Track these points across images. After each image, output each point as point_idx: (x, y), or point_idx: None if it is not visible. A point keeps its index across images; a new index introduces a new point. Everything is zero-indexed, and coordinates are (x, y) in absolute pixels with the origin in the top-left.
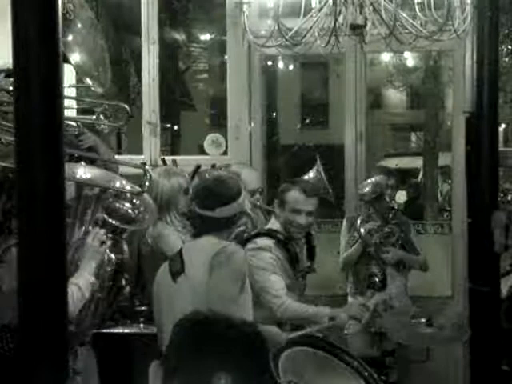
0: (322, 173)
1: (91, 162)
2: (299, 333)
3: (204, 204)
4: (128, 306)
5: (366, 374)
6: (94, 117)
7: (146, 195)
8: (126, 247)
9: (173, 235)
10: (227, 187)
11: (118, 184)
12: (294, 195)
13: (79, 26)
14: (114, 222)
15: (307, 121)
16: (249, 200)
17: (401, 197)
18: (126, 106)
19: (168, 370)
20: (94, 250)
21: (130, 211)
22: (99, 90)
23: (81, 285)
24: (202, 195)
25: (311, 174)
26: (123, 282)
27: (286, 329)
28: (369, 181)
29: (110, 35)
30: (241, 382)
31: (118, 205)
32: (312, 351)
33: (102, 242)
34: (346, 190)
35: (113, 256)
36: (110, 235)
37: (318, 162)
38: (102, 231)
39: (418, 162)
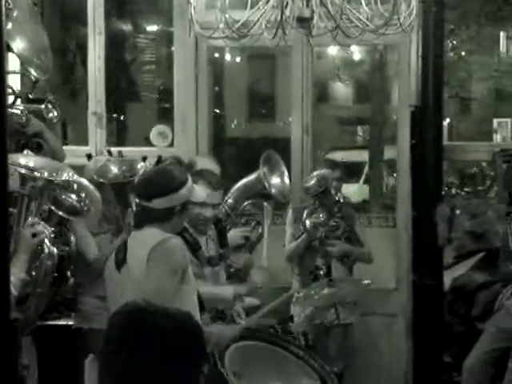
0: (262, 173)
1: (38, 149)
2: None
3: (143, 194)
4: (72, 298)
5: (316, 365)
6: (43, 106)
7: (92, 187)
8: (73, 239)
9: (80, 228)
10: (167, 178)
11: (65, 175)
12: (200, 188)
13: (18, 13)
14: (60, 213)
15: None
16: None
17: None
18: None
19: (103, 363)
20: (26, 242)
21: (75, 203)
22: (42, 77)
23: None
24: (141, 186)
25: (253, 176)
26: (68, 274)
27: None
28: (314, 174)
29: (55, 25)
30: (177, 370)
31: (64, 196)
32: (262, 345)
33: (34, 235)
34: (292, 183)
35: (55, 250)
36: (52, 228)
37: (262, 163)
38: (41, 223)
39: (363, 156)
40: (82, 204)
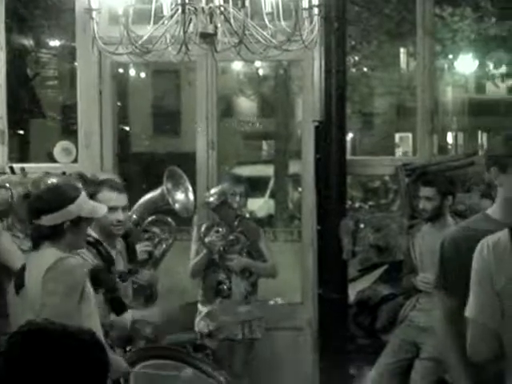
0: (166, 189)
1: None
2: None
3: (32, 212)
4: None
5: (225, 382)
6: None
7: None
8: None
9: (4, 240)
10: (53, 195)
11: None
12: (106, 194)
13: None
14: None
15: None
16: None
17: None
18: None
19: None
20: None
21: None
22: None
23: None
24: (30, 203)
25: (157, 191)
26: None
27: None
28: (215, 188)
29: None
30: None
31: None
32: (169, 363)
33: None
34: (198, 198)
35: None
36: None
37: (165, 179)
38: None
39: (268, 170)
40: None
